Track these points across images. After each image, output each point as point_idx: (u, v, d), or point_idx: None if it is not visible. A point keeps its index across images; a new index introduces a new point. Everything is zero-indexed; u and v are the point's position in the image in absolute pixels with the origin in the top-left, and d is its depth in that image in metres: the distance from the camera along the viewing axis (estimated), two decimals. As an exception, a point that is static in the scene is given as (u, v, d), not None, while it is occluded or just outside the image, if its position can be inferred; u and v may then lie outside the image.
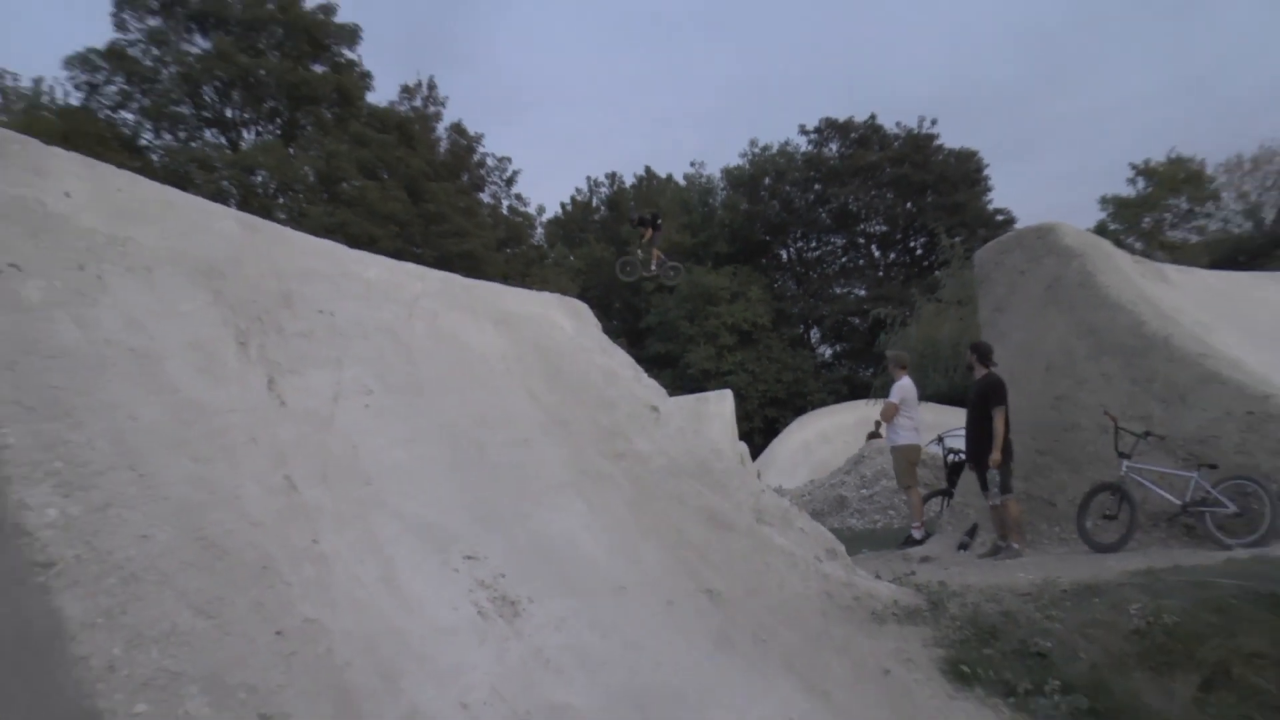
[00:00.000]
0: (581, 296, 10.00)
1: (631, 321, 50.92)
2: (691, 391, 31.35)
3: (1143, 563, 8.93)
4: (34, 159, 6.10)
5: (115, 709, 3.98)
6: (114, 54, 38.49)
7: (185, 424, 5.59)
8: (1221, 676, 6.75)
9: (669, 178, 59.08)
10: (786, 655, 6.59)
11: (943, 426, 19.72)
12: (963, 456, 13.27)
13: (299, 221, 29.50)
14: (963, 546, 12.19)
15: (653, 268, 19.02)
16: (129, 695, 4.06)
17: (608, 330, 9.91)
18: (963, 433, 13.03)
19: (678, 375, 42.60)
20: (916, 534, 13.32)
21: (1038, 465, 12.11)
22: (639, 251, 18.71)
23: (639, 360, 9.75)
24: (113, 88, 38.94)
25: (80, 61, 38.28)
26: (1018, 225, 44.56)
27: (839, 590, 7.72)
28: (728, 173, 55.36)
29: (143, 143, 38.87)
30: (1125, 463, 10.90)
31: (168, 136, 39.71)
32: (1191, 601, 7.32)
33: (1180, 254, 40.43)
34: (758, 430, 40.38)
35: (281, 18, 39.84)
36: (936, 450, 16.58)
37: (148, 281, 6.20)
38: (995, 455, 11.00)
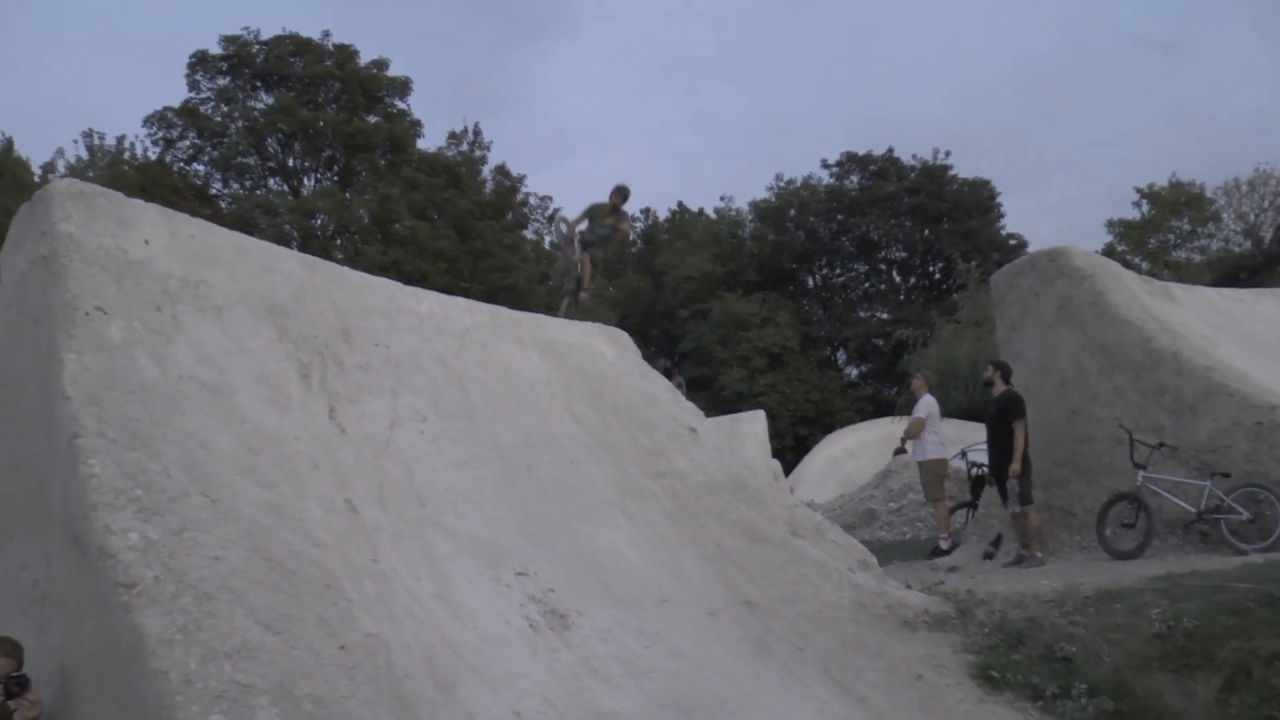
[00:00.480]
0: (620, 325, 9.98)
1: (668, 347, 50.86)
2: (726, 413, 31.17)
3: (1161, 569, 8.75)
4: (118, 210, 6.20)
5: (192, 720, 3.98)
6: (187, 111, 39.16)
7: (253, 451, 5.61)
8: (1241, 678, 6.58)
9: (700, 211, 59.08)
10: (823, 662, 6.51)
11: (964, 441, 19.47)
12: (985, 469, 13.10)
13: (355, 261, 29.71)
14: (988, 556, 12.01)
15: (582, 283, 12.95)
16: (204, 707, 4.06)
17: (646, 357, 9.88)
18: (984, 447, 12.88)
19: (712, 397, 42.41)
20: (944, 544, 13.14)
21: (1055, 477, 11.94)
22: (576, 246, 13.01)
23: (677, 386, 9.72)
24: (186, 142, 39.65)
25: (158, 119, 39.03)
26: (1029, 249, 44.20)
27: (871, 599, 7.62)
28: (755, 205, 55.19)
29: (212, 192, 39.46)
30: (1141, 473, 10.71)
31: (235, 185, 40.33)
32: (1210, 605, 7.15)
33: (1184, 273, 39.95)
34: (789, 448, 40.09)
35: (339, 73, 40.35)
36: (960, 464, 16.37)
37: (219, 320, 6.26)
38: (1015, 466, 10.86)
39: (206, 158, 39.83)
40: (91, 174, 35.00)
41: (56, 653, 4.55)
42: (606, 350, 9.28)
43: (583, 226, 13.02)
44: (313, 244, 34.22)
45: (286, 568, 5.04)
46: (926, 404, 13.61)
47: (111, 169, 35.91)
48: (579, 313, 12.48)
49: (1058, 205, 79.89)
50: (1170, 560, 9.48)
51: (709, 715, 5.91)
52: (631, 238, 14.03)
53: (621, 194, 12.77)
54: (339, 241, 37.40)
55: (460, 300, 8.68)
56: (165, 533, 4.71)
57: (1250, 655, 6.63)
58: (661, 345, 50.28)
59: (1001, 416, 11.23)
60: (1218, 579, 7.80)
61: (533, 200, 44.86)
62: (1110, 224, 49.58)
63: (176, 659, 4.19)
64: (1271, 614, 6.92)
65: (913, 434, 13.64)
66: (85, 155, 38.94)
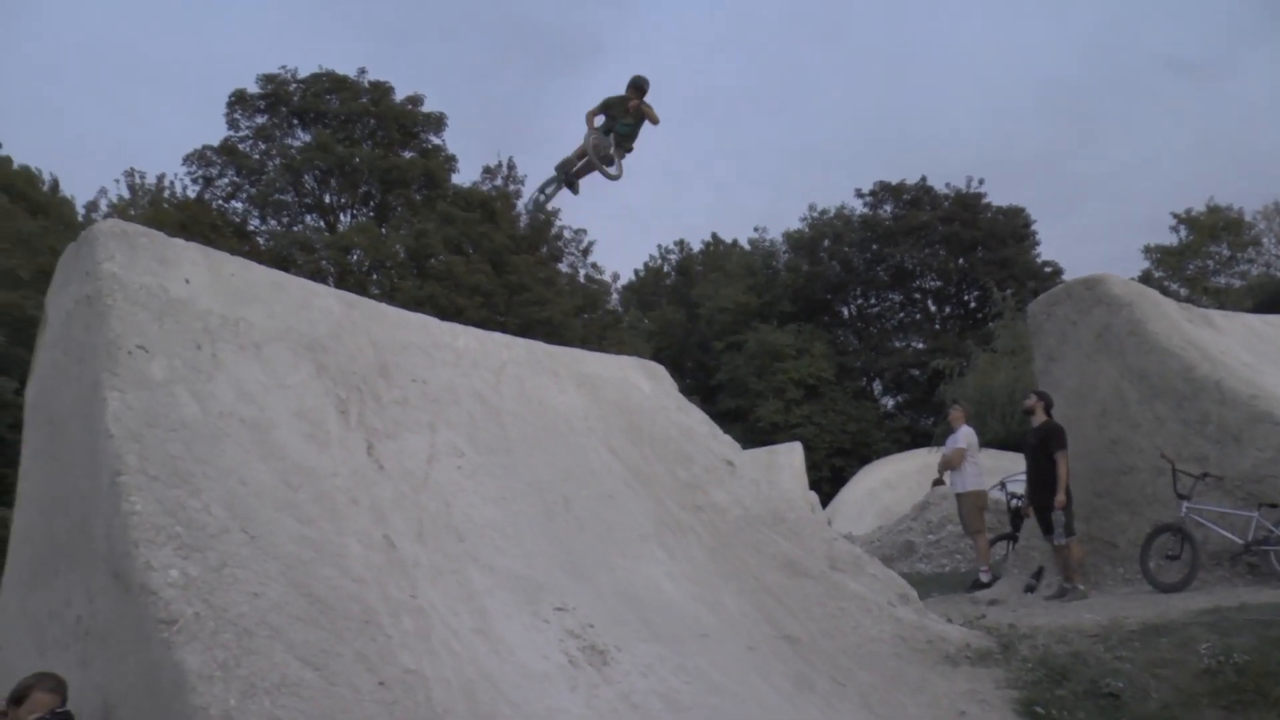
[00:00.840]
0: (655, 357, 9.98)
1: (703, 379, 50.78)
2: (762, 444, 31.06)
3: (1208, 602, 8.59)
4: (159, 249, 6.28)
5: (233, 758, 3.97)
6: (226, 149, 39.69)
7: (292, 487, 5.64)
8: (1296, 714, 6.43)
9: (734, 243, 59.14)
10: (864, 696, 6.42)
11: (1001, 471, 19.24)
12: (1024, 500, 12.96)
13: (391, 296, 29.90)
14: (1029, 589, 11.85)
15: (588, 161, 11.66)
16: (244, 744, 4.06)
17: (681, 389, 9.86)
18: (1022, 477, 12.72)
19: (748, 429, 42.27)
20: (984, 577, 12.98)
21: (1096, 508, 11.78)
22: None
23: (711, 416, 9.68)
24: (225, 180, 40.18)
25: (197, 157, 39.59)
26: (1065, 276, 43.97)
27: (912, 633, 7.52)
28: (789, 236, 55.19)
29: (250, 228, 39.90)
30: (1185, 503, 10.54)
31: (272, 221, 40.76)
32: (1261, 640, 7.01)
33: (1224, 298, 39.48)
34: (825, 479, 39.84)
35: (374, 110, 40.79)
36: (999, 495, 16.19)
37: (258, 357, 6.30)
38: (1060, 497, 10.74)
39: (244, 195, 40.32)
40: (133, 212, 35.54)
41: (99, 688, 4.57)
42: (643, 384, 9.27)
43: (599, 120, 11.53)
44: (349, 279, 34.49)
45: (325, 603, 5.04)
46: (966, 434, 13.50)
47: (152, 207, 36.44)
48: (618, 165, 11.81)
49: (1093, 231, 79.51)
50: (1217, 593, 9.30)
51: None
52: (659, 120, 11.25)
53: (639, 88, 11.28)
54: (375, 277, 37.65)
55: (497, 335, 8.71)
56: (205, 569, 4.73)
57: (1305, 692, 6.48)
58: (697, 377, 50.20)
59: (1043, 447, 11.12)
60: (1269, 612, 7.65)
61: (567, 233, 44.98)
62: (1147, 249, 49.18)
63: (217, 695, 4.20)
64: (1326, 649, 6.77)
65: (953, 464, 13.52)
66: (127, 194, 39.58)
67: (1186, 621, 7.73)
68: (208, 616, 4.52)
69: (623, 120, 11.46)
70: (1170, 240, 48.66)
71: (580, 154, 11.67)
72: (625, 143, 11.71)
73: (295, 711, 4.34)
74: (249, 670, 4.40)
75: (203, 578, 4.68)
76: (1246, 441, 10.68)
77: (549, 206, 12.77)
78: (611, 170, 11.56)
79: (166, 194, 39.36)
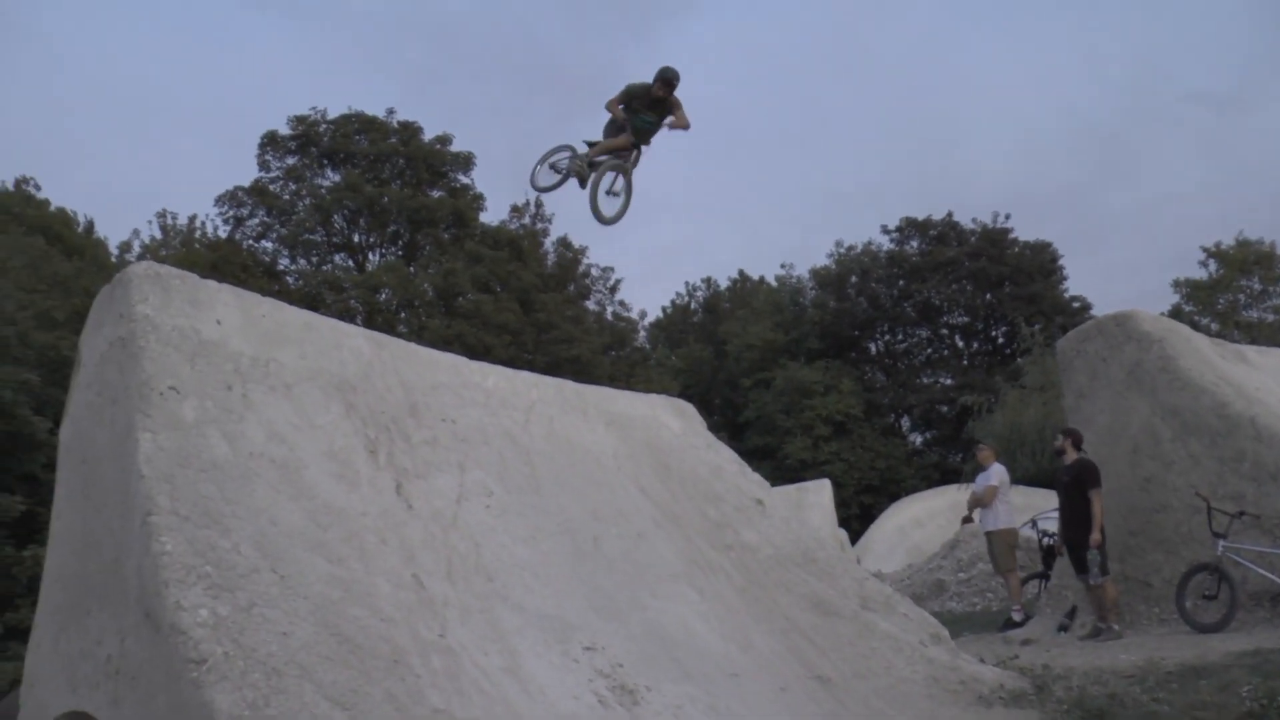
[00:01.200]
0: (683, 394, 9.97)
1: (731, 416, 50.58)
2: (790, 481, 30.89)
3: (1249, 643, 8.44)
4: (191, 291, 6.35)
5: (262, 798, 3.95)
6: (257, 190, 40.12)
7: (322, 527, 5.65)
8: (1341, 759, 6.28)
9: (761, 280, 59.15)
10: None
11: (1032, 509, 19.03)
12: (1055, 538, 12.81)
13: (419, 334, 30.06)
14: (1062, 629, 11.69)
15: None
16: (274, 785, 4.03)
17: (709, 426, 9.83)
18: (1054, 515, 12.56)
19: (777, 466, 42.05)
20: (1016, 616, 12.83)
21: (1130, 547, 11.63)
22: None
23: (739, 453, 9.64)
24: (255, 220, 40.56)
25: (228, 198, 40.02)
26: (1094, 312, 43.63)
27: (945, 674, 7.43)
28: (815, 273, 55.19)
29: (280, 268, 40.27)
30: (1221, 542, 10.39)
31: (302, 261, 41.09)
32: (1303, 682, 6.86)
33: (1257, 333, 39.10)
34: (854, 517, 39.54)
35: (403, 150, 41.13)
36: (1030, 533, 16.01)
37: (288, 397, 6.34)
38: (1095, 536, 10.62)
39: (275, 235, 40.68)
40: (165, 252, 35.98)
41: (130, 729, 4.58)
42: (673, 422, 9.25)
43: (620, 110, 10.38)
44: (378, 319, 34.69)
45: (355, 643, 5.03)
46: (998, 471, 13.40)
47: (184, 247, 36.90)
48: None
49: (1122, 266, 79.05)
50: (1258, 634, 9.13)
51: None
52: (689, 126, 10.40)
53: (667, 82, 10.11)
54: (403, 315, 37.86)
55: (526, 374, 8.73)
56: (235, 609, 4.73)
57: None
58: (725, 414, 50.07)
59: (1076, 485, 11.01)
60: (1310, 653, 7.51)
61: (594, 271, 45.12)
62: (1177, 284, 48.65)
63: (247, 735, 4.19)
64: (1370, 691, 6.62)
65: (984, 502, 13.39)
66: (159, 234, 40.10)
67: (1227, 663, 7.60)
68: (237, 656, 4.52)
69: (643, 115, 10.35)
70: (1200, 275, 48.25)
71: (601, 150, 10.55)
72: (644, 138, 10.50)
73: (325, 752, 4.32)
74: (278, 710, 4.40)
75: (232, 617, 4.68)
76: (1283, 479, 10.55)
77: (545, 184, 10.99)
78: (603, 206, 10.40)
79: (198, 234, 39.83)
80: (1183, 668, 7.65)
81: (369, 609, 5.34)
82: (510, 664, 5.64)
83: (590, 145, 10.66)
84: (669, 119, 10.38)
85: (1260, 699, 6.67)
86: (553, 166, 10.93)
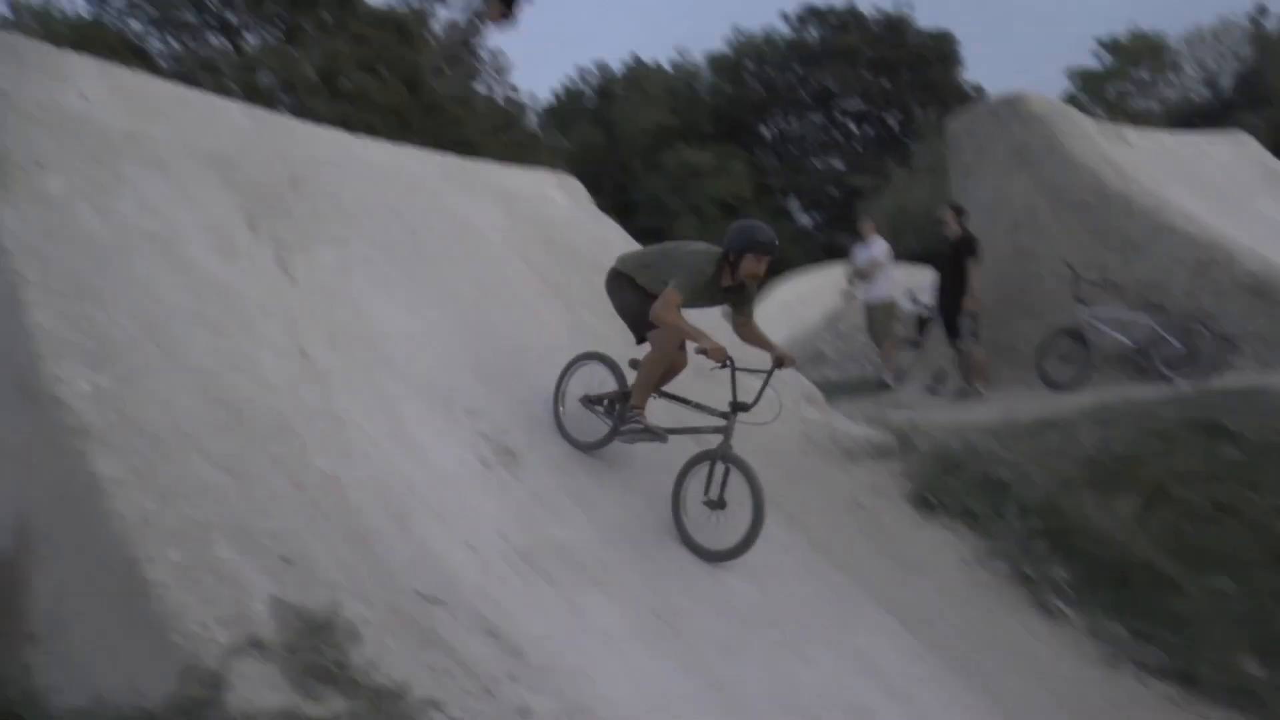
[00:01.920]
0: (574, 176, 9.89)
1: (621, 198, 50.15)
2: (680, 263, 31.02)
3: (1096, 399, 9.02)
4: (52, 64, 6.07)
5: (151, 557, 4.06)
6: (120, -36, 37.42)
7: (203, 300, 5.62)
8: (1160, 495, 6.90)
9: (656, 65, 57.80)
10: (769, 493, 6.68)
11: (911, 284, 19.59)
12: (931, 310, 13.31)
13: (301, 116, 28.96)
14: (931, 391, 12.29)
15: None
16: (162, 544, 4.14)
17: (599, 207, 9.83)
18: (929, 289, 13.01)
19: (665, 247, 42.21)
20: (890, 380, 13.41)
21: (1001, 316, 12.10)
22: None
23: (628, 233, 9.68)
24: (120, -1, 37.94)
25: (88, -27, 37.30)
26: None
27: (816, 432, 7.83)
28: (711, 59, 54.16)
29: (151, 51, 37.96)
30: (1083, 308, 10.94)
31: (174, 43, 38.80)
32: (1139, 431, 7.44)
33: (1142, 122, 39.73)
34: (743, 294, 40.16)
35: (279, -78, 38.61)
36: (909, 307, 16.53)
37: (163, 172, 6.19)
38: (968, 301, 11.07)
39: (144, 15, 38.21)
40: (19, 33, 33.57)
41: (12, 500, 4.58)
42: (558, 197, 9.25)
43: None
44: (258, 101, 32.96)
45: (239, 411, 5.09)
46: (879, 245, 13.71)
47: (41, 25, 34.44)
48: None
49: (1019, 56, 78.90)
50: (1106, 392, 9.76)
51: (661, 544, 6.13)
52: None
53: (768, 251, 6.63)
54: (285, 99, 36.29)
55: (411, 149, 8.59)
56: (116, 380, 4.72)
57: (1170, 475, 6.94)
58: (615, 196, 49.73)
59: (956, 255, 11.38)
60: (1147, 406, 8.09)
61: (484, 54, 43.52)
62: (1070, 73, 49.13)
63: (133, 500, 4.25)
64: (1193, 437, 7.22)
65: (866, 274, 13.75)
66: (8, 14, 37.27)
67: (1073, 417, 8.13)
68: (120, 425, 4.54)
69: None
70: (1094, 65, 48.63)
71: None
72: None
73: (213, 514, 4.42)
74: (165, 476, 4.46)
75: (114, 389, 4.68)
76: (1147, 252, 11.09)
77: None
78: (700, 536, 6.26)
79: (56, 15, 37.20)
80: (1035, 421, 8.16)
81: (253, 378, 5.38)
82: (395, 428, 5.78)
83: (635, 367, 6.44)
84: (738, 318, 6.73)
85: (1098, 445, 7.24)
86: (590, 407, 6.61)
